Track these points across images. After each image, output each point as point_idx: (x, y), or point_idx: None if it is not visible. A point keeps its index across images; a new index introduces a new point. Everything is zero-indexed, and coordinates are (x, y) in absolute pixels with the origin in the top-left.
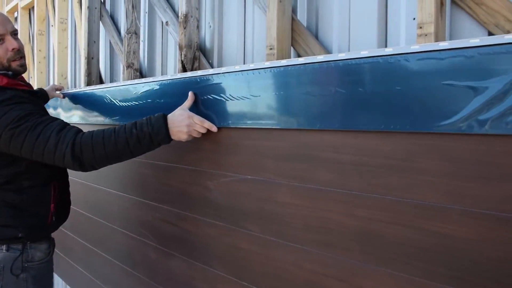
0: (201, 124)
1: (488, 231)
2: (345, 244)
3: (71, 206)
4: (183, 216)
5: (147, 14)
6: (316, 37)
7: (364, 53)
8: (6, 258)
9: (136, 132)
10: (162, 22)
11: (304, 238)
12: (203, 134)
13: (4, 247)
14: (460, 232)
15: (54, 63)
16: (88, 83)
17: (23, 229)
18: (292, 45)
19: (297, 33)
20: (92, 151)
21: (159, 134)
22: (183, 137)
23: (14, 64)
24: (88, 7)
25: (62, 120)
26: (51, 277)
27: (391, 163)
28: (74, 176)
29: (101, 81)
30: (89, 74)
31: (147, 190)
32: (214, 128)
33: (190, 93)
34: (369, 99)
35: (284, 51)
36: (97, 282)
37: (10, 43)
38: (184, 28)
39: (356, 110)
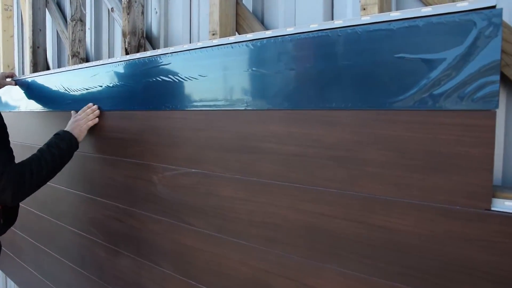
0: (84, 112)
1: (437, 225)
2: (290, 240)
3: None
4: (130, 212)
5: (93, 0)
6: (262, 22)
7: (314, 26)
8: None
9: (58, 153)
10: (108, 9)
11: (248, 234)
12: (146, 120)
13: None
14: (407, 227)
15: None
16: (35, 73)
17: None
18: (236, 30)
19: (241, 17)
20: (27, 193)
21: (72, 143)
22: (82, 131)
23: None
24: None
25: (8, 157)
26: None
27: (336, 154)
28: None
29: None
30: (35, 64)
31: (94, 185)
32: (94, 107)
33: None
34: (319, 75)
35: (228, 36)
36: (46, 283)
37: None
38: (128, 14)
39: (306, 87)
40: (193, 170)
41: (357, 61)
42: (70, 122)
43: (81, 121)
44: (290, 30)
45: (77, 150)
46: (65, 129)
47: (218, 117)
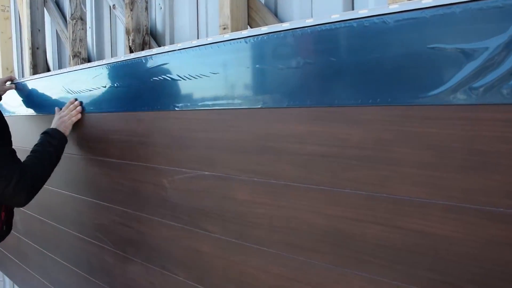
0: (67, 109)
1: (478, 228)
2: (314, 246)
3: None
4: (138, 218)
5: None
6: (275, 14)
7: (335, 17)
8: None
9: (54, 150)
10: (110, 6)
11: (269, 240)
12: (154, 122)
13: None
14: (445, 231)
15: None
16: (35, 75)
17: None
18: (248, 23)
19: (253, 10)
20: (37, 184)
21: (62, 139)
22: (67, 126)
23: None
24: None
25: (13, 158)
26: None
27: (363, 153)
28: None
29: None
30: (34, 66)
31: (101, 190)
32: (77, 103)
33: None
34: (343, 70)
35: (240, 30)
36: None
37: None
38: (131, 10)
39: (329, 83)
40: (206, 173)
41: (385, 53)
42: (54, 120)
43: (65, 117)
44: (310, 21)
45: (82, 154)
46: (52, 126)
47: (232, 117)
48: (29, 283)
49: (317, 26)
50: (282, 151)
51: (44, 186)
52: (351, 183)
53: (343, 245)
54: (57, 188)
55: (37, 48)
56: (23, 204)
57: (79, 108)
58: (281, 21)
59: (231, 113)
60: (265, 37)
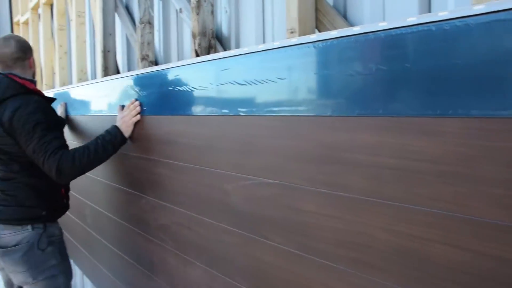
0: (128, 109)
1: None
2: (381, 264)
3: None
4: (201, 221)
5: (161, 2)
6: (345, 17)
7: (412, 20)
8: (33, 236)
9: (102, 144)
10: (177, 10)
11: (334, 254)
12: (219, 126)
13: (29, 227)
14: None
15: (73, 58)
16: (106, 77)
17: (45, 208)
18: (316, 27)
19: (321, 13)
20: (72, 170)
21: (117, 137)
22: (129, 126)
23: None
24: None
25: (60, 144)
26: (67, 251)
27: (439, 168)
28: (96, 175)
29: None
30: (105, 68)
31: (164, 191)
32: (136, 103)
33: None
34: (419, 77)
35: (307, 34)
36: (119, 284)
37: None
38: (197, 14)
39: (403, 91)
40: (271, 181)
41: (469, 59)
42: (117, 118)
43: (126, 117)
44: (383, 25)
45: (147, 155)
46: (115, 124)
47: (299, 124)
48: (96, 275)
49: (391, 30)
50: (350, 162)
51: (111, 184)
52: (423, 199)
53: (411, 265)
54: (124, 186)
55: (108, 51)
56: (55, 179)
57: (138, 108)
58: (350, 24)
59: (297, 120)
60: (335, 42)
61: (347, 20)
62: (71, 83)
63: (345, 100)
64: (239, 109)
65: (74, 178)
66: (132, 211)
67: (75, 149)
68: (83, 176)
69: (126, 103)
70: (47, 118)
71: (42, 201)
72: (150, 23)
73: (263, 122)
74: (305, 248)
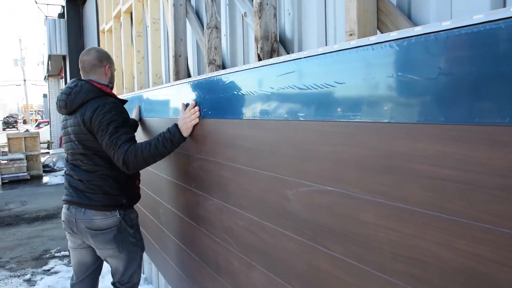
0: (189, 112)
1: None
2: (442, 283)
3: (166, 204)
4: (263, 226)
5: (228, 7)
6: (409, 16)
7: (478, 18)
8: (120, 221)
9: (162, 141)
10: (242, 14)
11: (391, 268)
12: (280, 131)
13: (116, 213)
14: None
15: (149, 63)
16: (177, 81)
17: (126, 197)
18: (378, 28)
19: (384, 13)
20: (136, 163)
21: (176, 136)
22: (189, 128)
23: (113, 87)
24: (174, 5)
25: (128, 138)
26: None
27: (510, 183)
28: (167, 175)
29: None
30: (177, 72)
31: (229, 194)
32: (196, 108)
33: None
34: (488, 81)
35: (367, 36)
36: (187, 281)
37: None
38: (259, 18)
39: (469, 97)
40: (329, 188)
41: None
42: (179, 117)
43: (187, 119)
44: (447, 24)
45: (213, 158)
46: (177, 123)
47: (357, 130)
48: (167, 271)
49: (455, 30)
50: (410, 173)
51: (181, 184)
52: (491, 217)
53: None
54: (192, 187)
55: (179, 56)
56: (122, 169)
57: (198, 113)
58: (415, 24)
59: (356, 126)
60: (394, 44)
61: (411, 20)
62: (148, 86)
63: (405, 106)
64: (299, 114)
65: (138, 169)
66: (200, 211)
67: (140, 144)
68: (157, 175)
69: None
70: (119, 116)
71: (123, 191)
72: (217, 27)
73: (322, 128)
74: (362, 260)
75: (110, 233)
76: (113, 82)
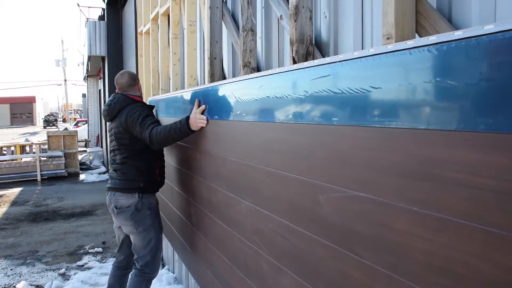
0: (199, 113)
1: None
2: None
3: (198, 205)
4: (293, 230)
5: (263, 9)
6: (449, 20)
7: None
8: (138, 202)
9: (174, 128)
10: (278, 17)
11: (424, 279)
12: (313, 134)
13: (136, 195)
14: None
15: (185, 65)
16: (212, 83)
17: (143, 182)
18: (416, 31)
19: (423, 16)
20: (157, 139)
21: (184, 127)
22: (197, 127)
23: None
24: (210, 7)
25: (152, 122)
26: (160, 216)
27: None
28: (199, 175)
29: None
30: (212, 74)
31: (261, 197)
32: (203, 116)
33: (196, 100)
34: None
35: (405, 39)
36: (217, 283)
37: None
38: (295, 21)
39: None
40: (362, 194)
41: None
42: (192, 111)
43: (197, 119)
44: (489, 28)
45: (245, 161)
46: (189, 115)
47: (392, 136)
48: (198, 272)
49: (498, 34)
50: (447, 181)
51: (213, 186)
52: None
53: None
54: (223, 189)
55: (215, 58)
56: (149, 145)
57: (204, 120)
58: (455, 27)
59: (391, 132)
60: (433, 48)
61: (451, 23)
62: (183, 88)
63: (444, 112)
64: (333, 118)
65: (160, 145)
66: (231, 213)
67: (161, 126)
68: (188, 175)
69: (224, 109)
70: (144, 111)
71: (142, 177)
72: (252, 30)
73: (356, 133)
74: (395, 269)
75: (129, 211)
76: (142, 93)
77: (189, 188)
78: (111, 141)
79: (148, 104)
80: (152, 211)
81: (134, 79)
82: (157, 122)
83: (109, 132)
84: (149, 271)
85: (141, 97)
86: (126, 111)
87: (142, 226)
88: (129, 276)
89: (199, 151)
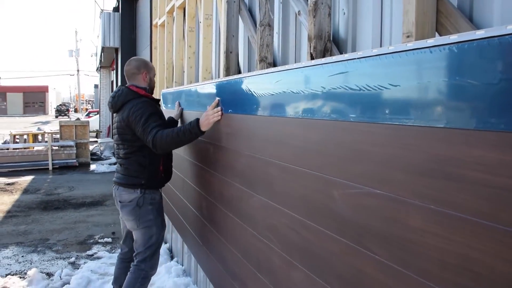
0: (211, 109)
1: None
2: None
3: (209, 198)
4: (306, 225)
5: (281, 5)
6: (470, 19)
7: None
8: (139, 197)
9: (183, 130)
10: (295, 12)
11: (439, 277)
12: (328, 130)
13: (138, 190)
14: None
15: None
16: (227, 77)
17: (145, 179)
18: (437, 30)
19: (443, 15)
20: (161, 144)
21: (195, 129)
22: (210, 124)
23: (153, 88)
24: (227, 1)
25: (156, 125)
26: (163, 211)
27: None
28: (212, 169)
29: None
30: (227, 68)
31: (274, 192)
32: (218, 108)
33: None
34: None
35: (425, 38)
36: (227, 277)
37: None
38: (314, 17)
39: None
40: (377, 191)
41: None
42: (203, 115)
43: (209, 116)
44: None
45: (259, 155)
46: (199, 118)
47: (408, 133)
48: (208, 265)
49: None
50: (464, 179)
51: (226, 179)
52: None
53: None
54: (236, 183)
55: (231, 52)
56: (152, 149)
57: (219, 113)
58: (477, 27)
59: (409, 129)
60: (454, 47)
61: (473, 22)
62: (197, 81)
63: (462, 111)
64: (350, 115)
65: (164, 150)
66: (243, 207)
67: (167, 130)
68: (201, 168)
69: (239, 103)
70: (147, 110)
71: (144, 173)
72: (270, 25)
73: (373, 130)
74: (408, 265)
75: (130, 205)
76: (152, 85)
77: (201, 181)
78: (114, 134)
79: (154, 98)
80: (154, 206)
81: (138, 68)
82: (162, 123)
83: (113, 124)
84: (145, 267)
85: (146, 89)
86: (129, 107)
87: (143, 221)
88: None
89: (212, 145)
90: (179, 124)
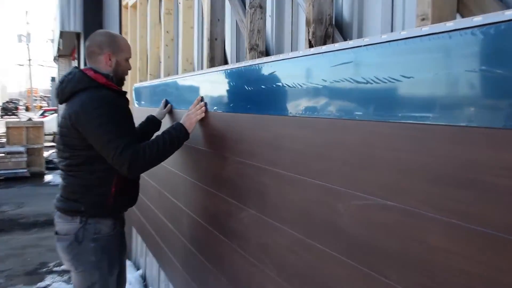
0: (194, 108)
1: None
2: None
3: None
4: (307, 245)
5: None
6: None
7: None
8: (78, 229)
9: (169, 139)
10: None
11: None
12: (331, 131)
13: (77, 220)
14: None
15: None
16: (211, 68)
17: (86, 204)
18: (458, 11)
19: None
20: (142, 166)
21: (182, 132)
22: (192, 123)
23: (123, 79)
24: None
25: (128, 140)
26: (119, 251)
27: None
28: (193, 178)
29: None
30: (212, 58)
31: (268, 205)
32: (202, 103)
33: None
34: None
35: (444, 21)
36: None
37: (130, 65)
38: None
39: None
40: (390, 203)
41: None
42: (184, 116)
43: (191, 115)
44: None
45: (250, 161)
46: (180, 121)
47: (426, 134)
48: (176, 277)
49: None
50: (492, 188)
51: (210, 190)
52: None
53: None
54: (223, 194)
55: (216, 39)
56: (126, 173)
57: (203, 108)
58: (506, 6)
59: (425, 129)
60: (478, 31)
61: (502, 1)
62: (176, 73)
63: (489, 107)
64: (355, 112)
65: (144, 171)
66: (231, 224)
67: (145, 145)
68: (179, 176)
69: (226, 99)
70: (113, 112)
71: (85, 197)
72: (261, 7)
73: (383, 130)
74: None
75: (66, 240)
76: (121, 72)
77: (181, 193)
78: (56, 135)
79: (121, 90)
80: (98, 243)
81: (100, 45)
82: (131, 132)
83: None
84: None
85: (109, 76)
86: (80, 101)
87: (82, 263)
88: None
89: (194, 148)
90: (161, 126)
